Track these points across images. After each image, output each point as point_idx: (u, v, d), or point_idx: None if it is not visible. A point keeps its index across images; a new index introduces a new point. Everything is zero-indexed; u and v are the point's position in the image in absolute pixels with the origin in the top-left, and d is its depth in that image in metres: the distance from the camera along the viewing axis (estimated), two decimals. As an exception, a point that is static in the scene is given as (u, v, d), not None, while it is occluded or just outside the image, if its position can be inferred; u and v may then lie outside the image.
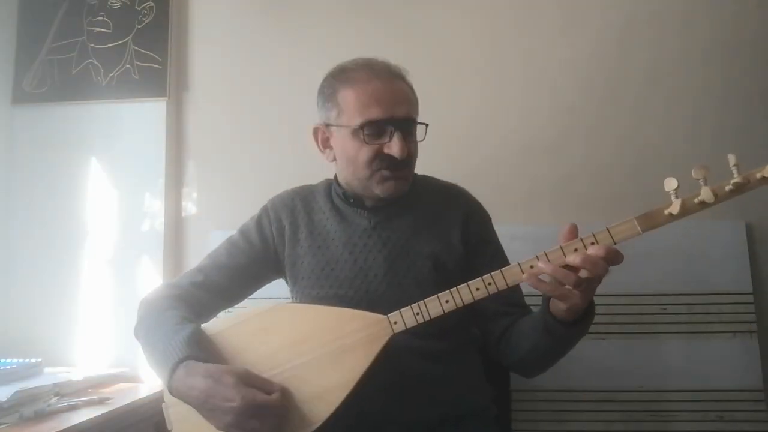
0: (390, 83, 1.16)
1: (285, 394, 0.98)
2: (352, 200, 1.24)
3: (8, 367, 1.47)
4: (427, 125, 1.20)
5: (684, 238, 1.65)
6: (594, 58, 1.78)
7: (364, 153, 1.14)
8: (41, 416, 1.26)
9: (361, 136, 1.14)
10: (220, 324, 1.12)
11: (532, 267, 0.94)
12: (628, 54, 1.77)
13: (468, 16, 1.84)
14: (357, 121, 1.13)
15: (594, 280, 0.91)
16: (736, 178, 0.85)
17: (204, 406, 0.96)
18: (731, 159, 0.85)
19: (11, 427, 1.20)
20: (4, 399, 1.23)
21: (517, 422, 1.56)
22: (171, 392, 1.00)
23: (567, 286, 0.91)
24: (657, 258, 1.64)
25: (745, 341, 1.60)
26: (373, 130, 1.13)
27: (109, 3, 1.94)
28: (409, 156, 1.16)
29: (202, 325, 1.10)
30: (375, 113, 1.13)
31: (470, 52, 1.84)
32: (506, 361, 1.18)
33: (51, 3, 1.96)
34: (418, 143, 1.20)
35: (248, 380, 0.96)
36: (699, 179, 0.87)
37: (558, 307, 0.97)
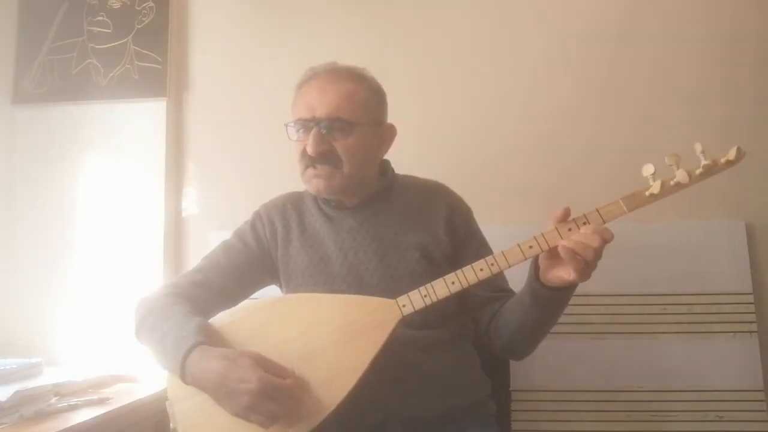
0: (324, 82, 1.19)
1: (299, 380, 0.98)
2: (333, 204, 1.26)
3: (8, 367, 1.47)
4: (354, 124, 1.15)
5: (684, 238, 1.65)
6: (591, 58, 1.77)
7: (296, 150, 1.21)
8: (41, 416, 1.26)
9: (291, 135, 1.21)
10: (225, 318, 1.11)
11: (531, 247, 0.98)
12: (626, 54, 1.76)
13: (466, 15, 1.83)
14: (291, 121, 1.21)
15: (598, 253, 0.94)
16: (705, 161, 0.94)
17: (220, 390, 0.96)
18: (698, 147, 0.95)
19: (11, 427, 1.20)
20: (4, 399, 1.23)
21: (517, 422, 1.56)
22: (184, 379, 1.00)
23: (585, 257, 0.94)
24: (657, 258, 1.64)
25: (745, 341, 1.59)
26: (298, 127, 1.20)
27: (109, 3, 1.94)
28: (325, 153, 1.16)
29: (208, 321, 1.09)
30: (299, 112, 1.19)
31: (465, 51, 1.83)
32: (496, 343, 1.19)
33: (51, 3, 1.96)
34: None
35: (263, 364, 0.97)
36: (672, 164, 0.96)
37: (559, 275, 0.98)
